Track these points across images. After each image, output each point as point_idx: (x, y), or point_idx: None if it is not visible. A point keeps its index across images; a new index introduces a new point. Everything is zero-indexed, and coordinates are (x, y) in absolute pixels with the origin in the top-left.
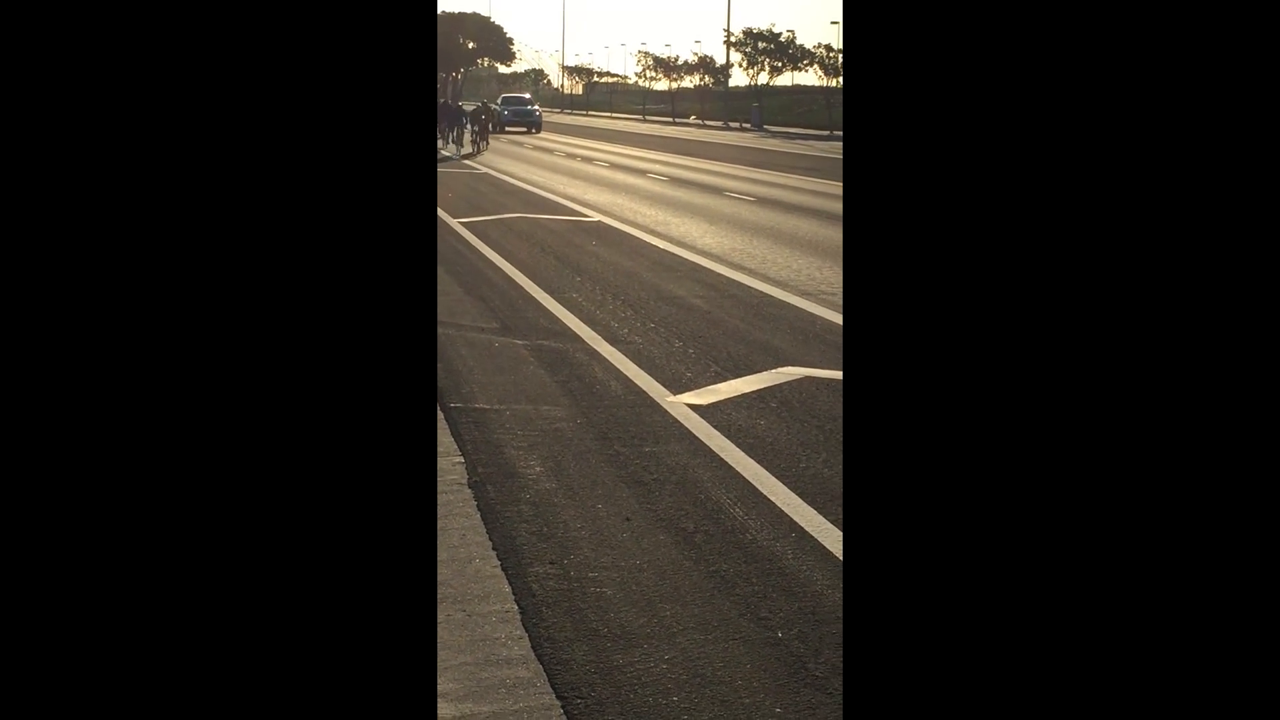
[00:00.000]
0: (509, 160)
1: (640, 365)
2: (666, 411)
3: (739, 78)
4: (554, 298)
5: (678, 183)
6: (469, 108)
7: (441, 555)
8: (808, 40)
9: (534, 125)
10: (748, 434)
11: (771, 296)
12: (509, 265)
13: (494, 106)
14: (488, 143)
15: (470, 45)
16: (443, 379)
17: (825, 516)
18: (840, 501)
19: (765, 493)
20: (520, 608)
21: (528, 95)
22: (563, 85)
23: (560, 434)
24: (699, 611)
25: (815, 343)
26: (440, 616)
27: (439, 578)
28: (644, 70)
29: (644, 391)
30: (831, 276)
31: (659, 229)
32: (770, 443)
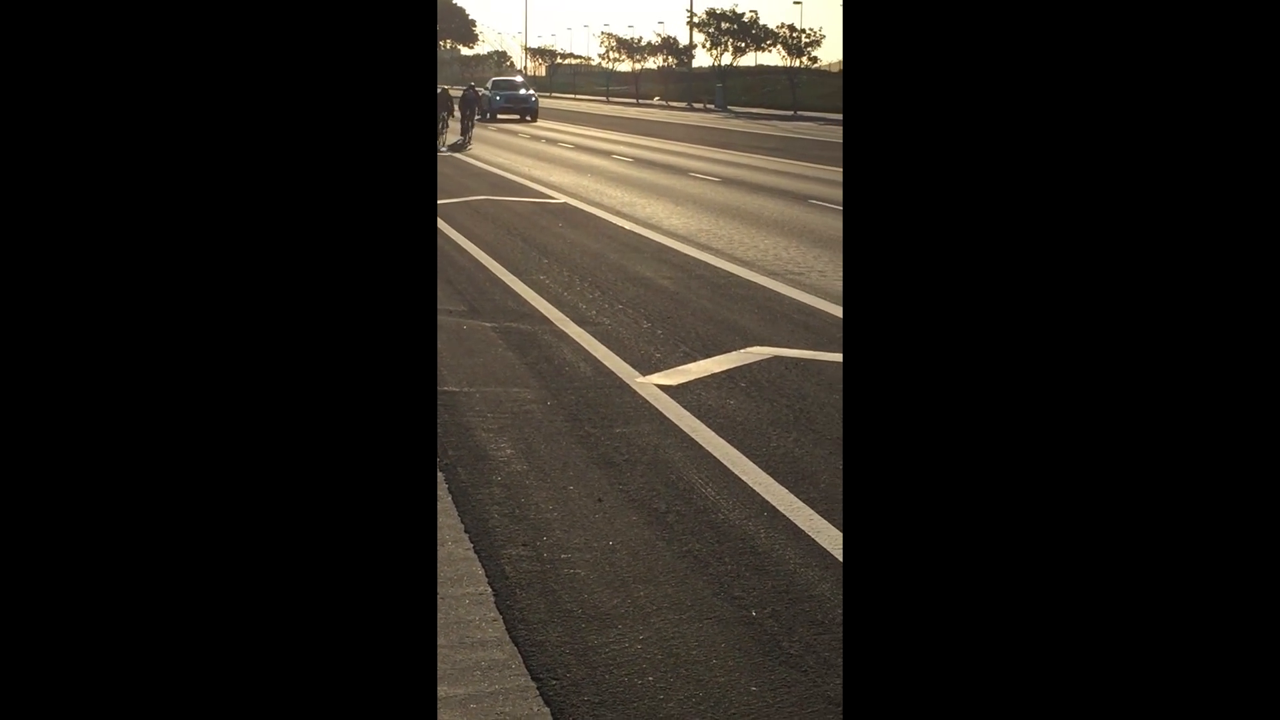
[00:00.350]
0: (475, 143)
1: (609, 346)
2: (636, 392)
3: (702, 58)
4: (521, 280)
5: (642, 164)
6: (454, 93)
7: None
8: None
9: (530, 112)
10: (718, 414)
11: (738, 276)
12: (475, 248)
13: (483, 91)
14: (472, 133)
15: None
16: None
17: (797, 495)
18: (812, 480)
19: (736, 472)
20: (494, 590)
21: (520, 79)
22: (526, 67)
23: (530, 416)
24: (672, 591)
25: (783, 322)
26: None
27: None
28: (607, 51)
29: (613, 373)
30: (798, 256)
31: (625, 210)
32: (740, 422)
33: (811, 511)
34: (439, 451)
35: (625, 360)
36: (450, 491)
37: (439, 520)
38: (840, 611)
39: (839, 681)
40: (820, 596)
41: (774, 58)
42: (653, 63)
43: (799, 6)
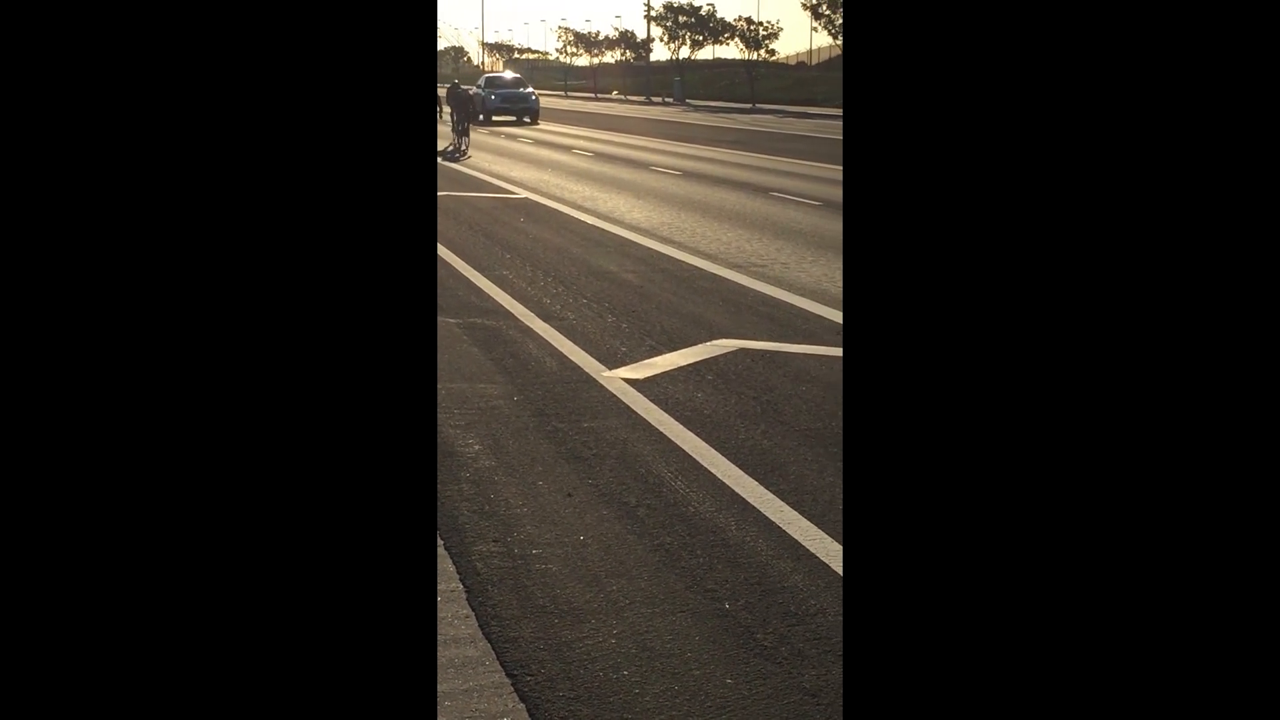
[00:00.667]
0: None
1: (574, 341)
2: (603, 387)
3: (660, 52)
4: (484, 275)
5: (603, 158)
6: (440, 92)
7: None
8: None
9: (529, 113)
10: (685, 407)
11: (702, 270)
12: (438, 244)
13: (475, 91)
14: (467, 139)
15: None
16: None
17: (767, 487)
18: (781, 472)
19: (706, 465)
20: (465, 586)
21: (516, 75)
22: (483, 63)
23: (497, 411)
24: (645, 585)
25: (748, 314)
26: None
27: None
28: (565, 46)
29: (579, 367)
30: (761, 249)
31: (586, 204)
32: (708, 415)
33: (782, 503)
34: None
35: (591, 355)
36: None
37: None
38: (814, 602)
39: (814, 672)
40: (793, 588)
41: (732, 51)
42: (610, 57)
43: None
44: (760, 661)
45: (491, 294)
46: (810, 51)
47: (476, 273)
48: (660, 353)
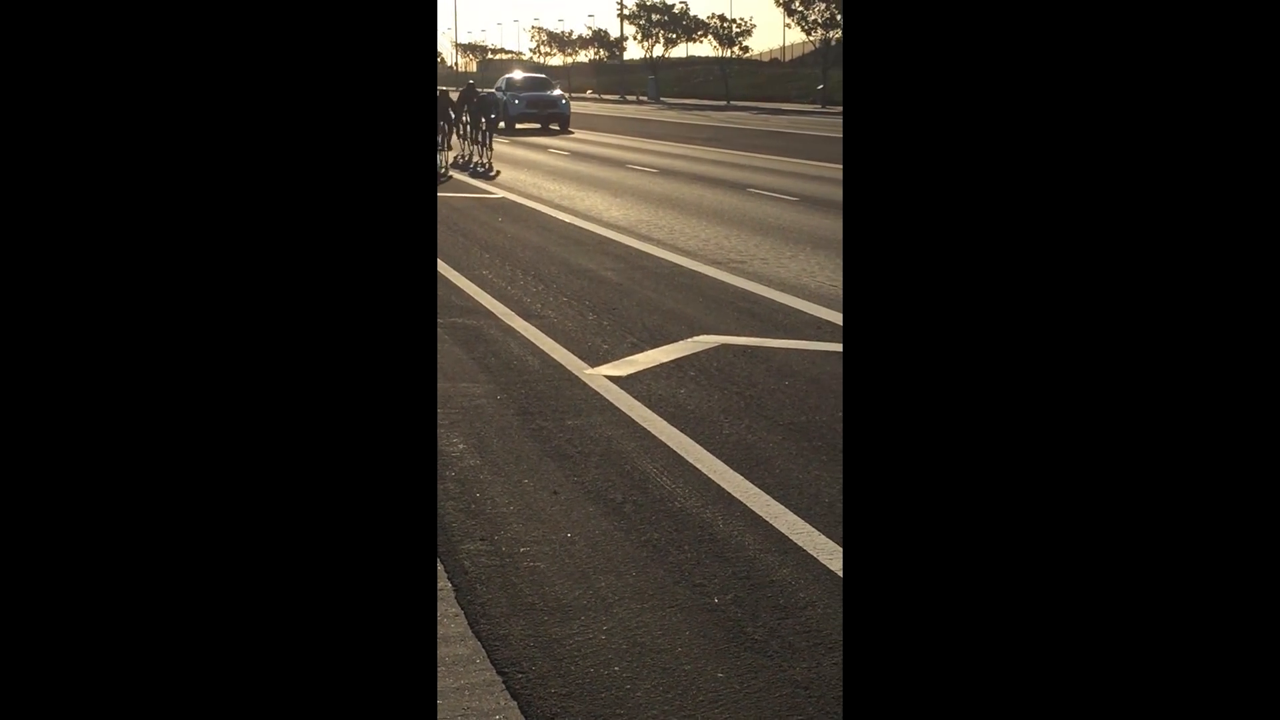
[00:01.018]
0: None
1: (556, 339)
2: (586, 384)
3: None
4: (464, 275)
5: (579, 157)
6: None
7: None
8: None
9: (559, 120)
10: (669, 403)
11: (682, 266)
12: None
13: (497, 94)
14: (490, 151)
15: None
16: None
17: (752, 481)
18: (766, 466)
19: (691, 460)
20: (454, 585)
21: (540, 74)
22: (456, 63)
23: (481, 411)
24: (634, 581)
25: (729, 310)
26: None
27: None
28: (538, 46)
29: (562, 365)
30: (739, 244)
31: (564, 203)
32: (692, 411)
33: (768, 497)
34: None
35: (573, 353)
36: None
37: None
38: (802, 595)
39: (805, 665)
40: (781, 581)
41: (705, 48)
42: (584, 56)
43: None
44: (751, 655)
45: (472, 294)
46: (783, 48)
47: (456, 273)
48: (642, 350)
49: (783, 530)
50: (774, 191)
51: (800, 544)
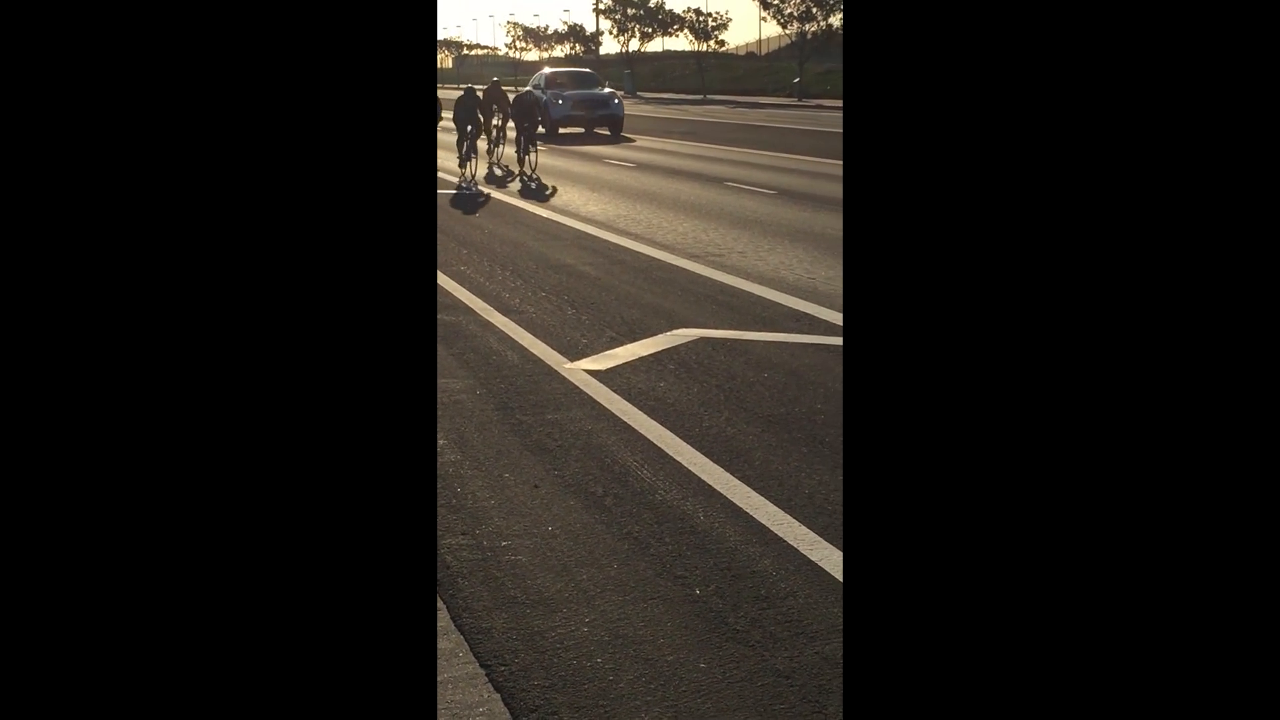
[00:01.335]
0: None
1: (535, 334)
2: (565, 379)
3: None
4: (442, 271)
5: (556, 151)
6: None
7: None
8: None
9: (611, 123)
10: (648, 396)
11: (660, 260)
12: None
13: (537, 94)
14: (535, 158)
15: None
16: None
17: (732, 474)
18: (746, 458)
19: (671, 453)
20: (436, 579)
21: (585, 69)
22: None
23: (461, 406)
24: (615, 573)
25: (707, 304)
26: None
27: None
28: (514, 41)
29: (541, 360)
30: (717, 238)
31: (541, 198)
32: (671, 404)
33: (748, 489)
34: None
35: (552, 347)
36: None
37: None
38: (783, 585)
39: (786, 654)
40: (762, 572)
41: (681, 42)
42: (560, 51)
43: None
44: (733, 645)
45: (450, 289)
46: (759, 41)
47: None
48: (621, 343)
49: (763, 521)
50: (751, 185)
51: (781, 535)
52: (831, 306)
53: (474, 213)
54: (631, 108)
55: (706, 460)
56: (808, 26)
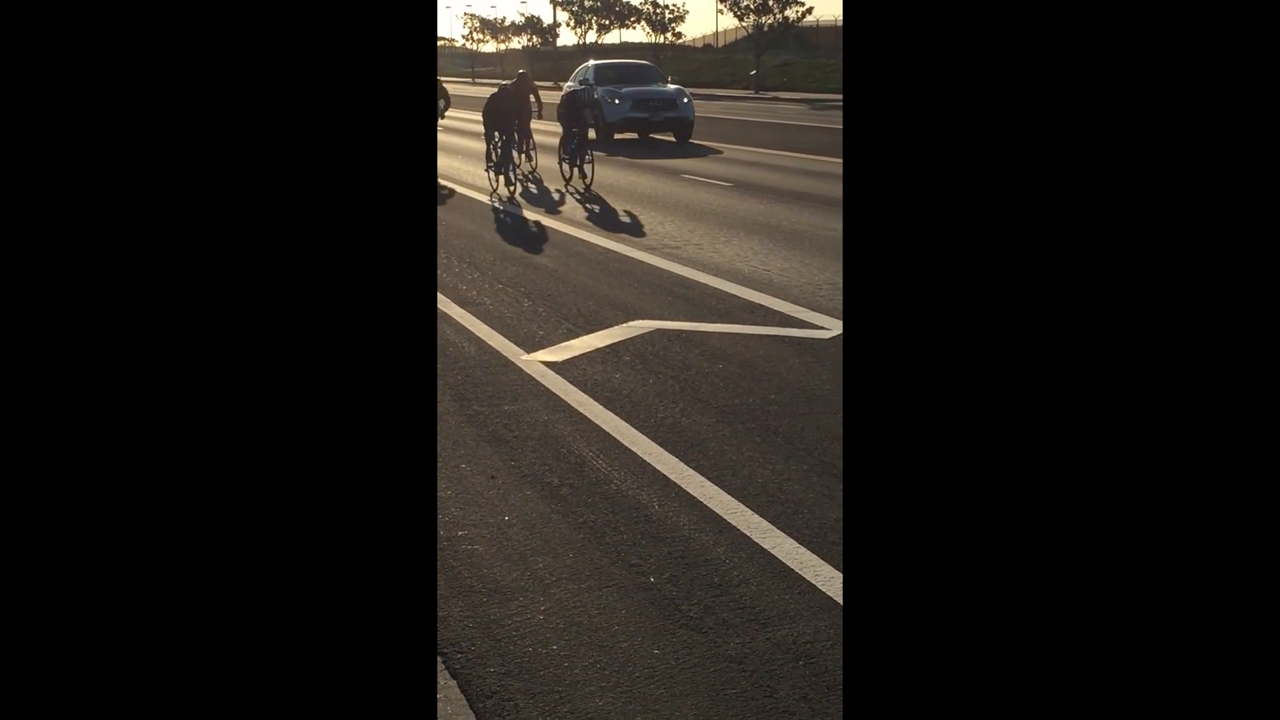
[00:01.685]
0: None
1: (492, 326)
2: (522, 370)
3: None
4: None
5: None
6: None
7: None
8: None
9: (679, 127)
10: (604, 388)
11: (616, 252)
12: None
13: (587, 92)
14: (591, 171)
15: None
16: None
17: (687, 464)
18: (701, 448)
19: (626, 444)
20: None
21: (644, 61)
22: None
23: None
24: (571, 562)
25: (663, 295)
26: None
27: None
28: (471, 33)
29: (498, 351)
30: (674, 230)
31: (616, 225)
32: (627, 395)
33: (703, 479)
34: None
35: (509, 339)
36: None
37: None
38: (736, 573)
39: (739, 640)
40: (716, 560)
41: (639, 34)
42: (517, 43)
43: None
44: (686, 632)
45: None
46: (716, 34)
47: None
48: (578, 335)
49: (717, 511)
50: (708, 177)
51: (734, 524)
52: (786, 298)
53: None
54: None
55: (661, 450)
56: (764, 19)
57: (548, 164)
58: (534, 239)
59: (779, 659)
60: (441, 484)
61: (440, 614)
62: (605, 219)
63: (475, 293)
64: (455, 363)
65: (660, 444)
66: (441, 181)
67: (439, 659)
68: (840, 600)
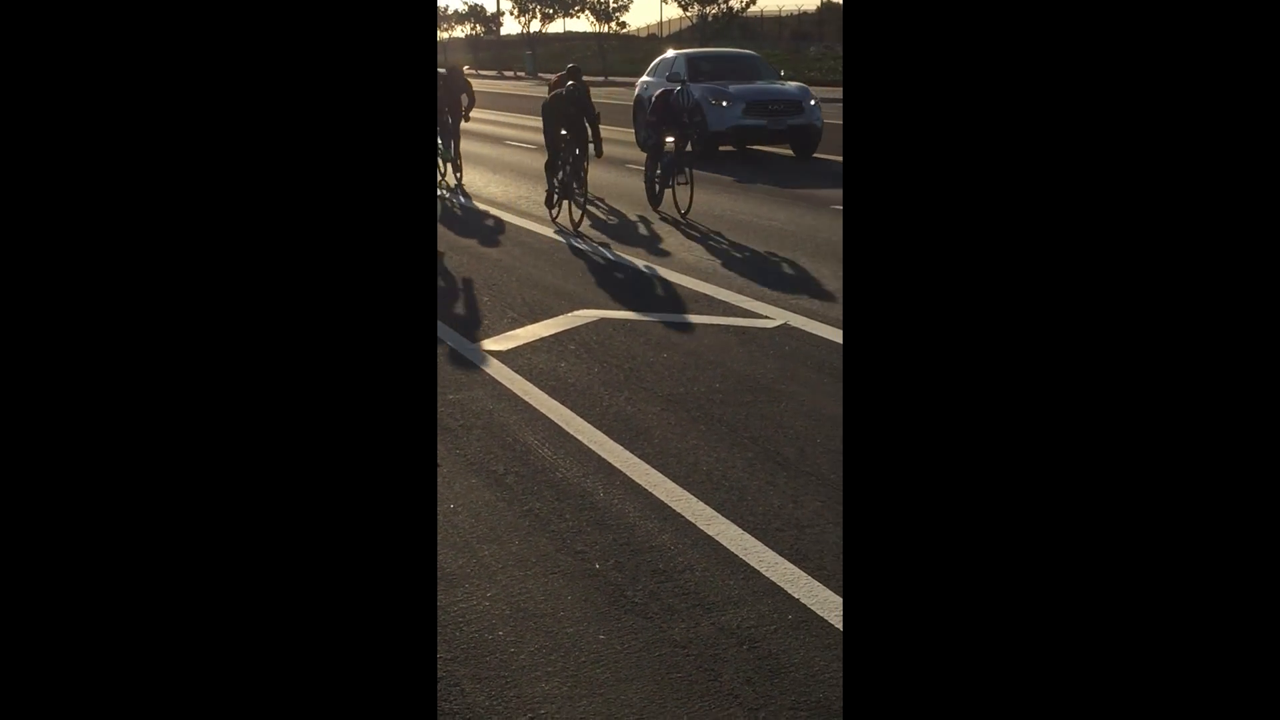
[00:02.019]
0: None
1: (438, 315)
2: (467, 359)
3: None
4: None
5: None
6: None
7: None
8: None
9: (807, 139)
10: (549, 376)
11: (561, 242)
12: None
13: (682, 90)
14: (690, 192)
15: None
16: None
17: (632, 452)
18: (646, 436)
19: (571, 432)
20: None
21: (748, 52)
22: None
23: None
24: (517, 549)
25: (608, 285)
26: None
27: None
28: None
29: (443, 340)
30: (617, 220)
31: (442, 180)
32: (572, 383)
33: (647, 466)
34: None
35: (454, 328)
36: None
37: None
38: (681, 559)
39: (683, 625)
40: (661, 547)
41: (583, 24)
42: (460, 31)
43: None
44: (631, 617)
45: None
46: (661, 23)
47: None
48: (523, 324)
49: (661, 498)
50: None
51: (679, 510)
52: (729, 287)
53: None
54: (532, 89)
55: (606, 438)
56: (708, 9)
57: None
58: (486, 231)
59: (723, 643)
60: None
61: None
62: (530, 204)
63: None
64: None
65: (605, 432)
66: None
67: None
68: (783, 585)
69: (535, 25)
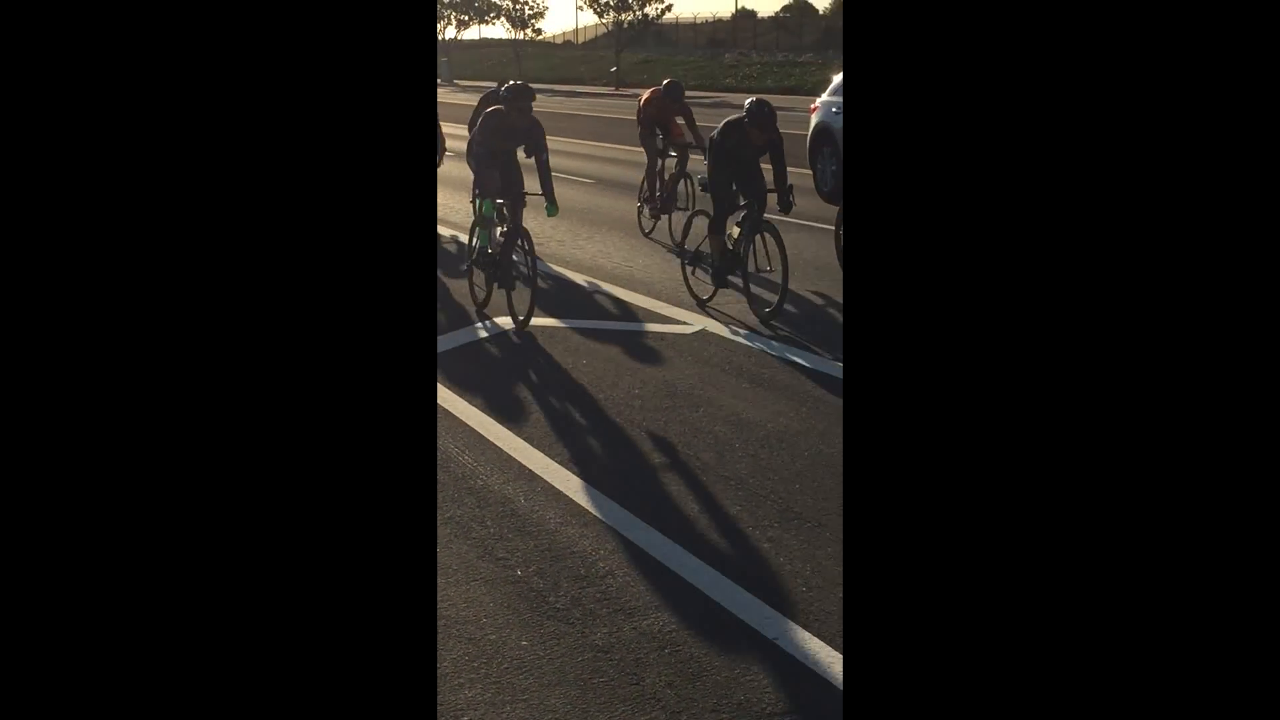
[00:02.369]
0: None
1: None
2: None
3: None
4: None
5: None
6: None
7: None
8: None
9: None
10: (469, 383)
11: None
12: None
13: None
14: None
15: None
16: None
17: (551, 458)
18: (566, 442)
19: (491, 439)
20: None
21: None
22: None
23: None
24: (438, 557)
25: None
26: None
27: None
28: None
29: None
30: (536, 227)
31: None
32: (492, 390)
33: (568, 473)
34: None
35: None
36: None
37: None
38: (602, 565)
39: (605, 630)
40: (582, 552)
41: (499, 30)
42: None
43: None
44: (553, 623)
45: None
46: (576, 30)
47: None
48: (444, 331)
49: (582, 504)
50: (569, 174)
51: (599, 516)
52: (649, 294)
53: None
54: (447, 96)
55: (526, 445)
56: (624, 16)
57: None
58: None
59: (644, 647)
60: None
61: None
62: (468, 218)
63: None
64: None
65: (525, 439)
66: None
67: None
68: (703, 589)
69: (450, 32)
